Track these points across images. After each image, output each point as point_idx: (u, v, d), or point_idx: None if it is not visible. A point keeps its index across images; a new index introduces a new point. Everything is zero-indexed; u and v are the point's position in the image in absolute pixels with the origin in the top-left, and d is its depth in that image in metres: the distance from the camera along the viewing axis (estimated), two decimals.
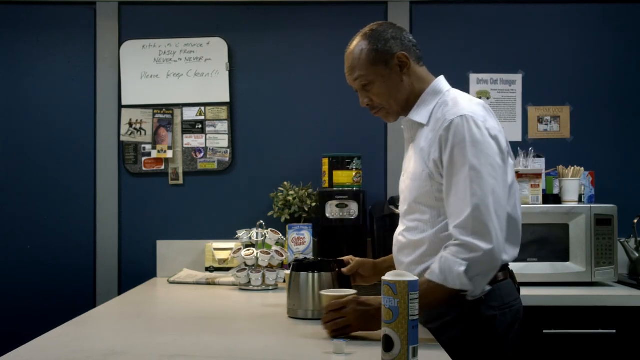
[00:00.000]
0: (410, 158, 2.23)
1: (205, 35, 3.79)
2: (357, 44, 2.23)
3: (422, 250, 2.14)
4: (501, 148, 2.07)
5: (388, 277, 1.70)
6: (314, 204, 3.58)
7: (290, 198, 3.57)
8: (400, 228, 2.27)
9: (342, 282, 2.43)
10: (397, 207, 3.34)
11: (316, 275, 2.38)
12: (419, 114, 2.19)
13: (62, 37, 3.81)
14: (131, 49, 3.78)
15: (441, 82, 2.24)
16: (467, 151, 2.00)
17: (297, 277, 2.41)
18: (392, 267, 2.36)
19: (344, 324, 2.01)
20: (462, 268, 1.95)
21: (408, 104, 2.22)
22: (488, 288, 2.05)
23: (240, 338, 2.16)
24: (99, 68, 3.79)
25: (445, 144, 2.04)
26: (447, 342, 2.02)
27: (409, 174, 2.20)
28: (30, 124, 3.80)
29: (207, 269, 3.62)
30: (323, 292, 2.22)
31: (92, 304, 3.64)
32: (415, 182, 2.15)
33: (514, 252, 2.15)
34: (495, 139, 2.06)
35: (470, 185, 1.98)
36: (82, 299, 3.69)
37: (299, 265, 2.43)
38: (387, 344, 1.69)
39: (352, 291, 2.19)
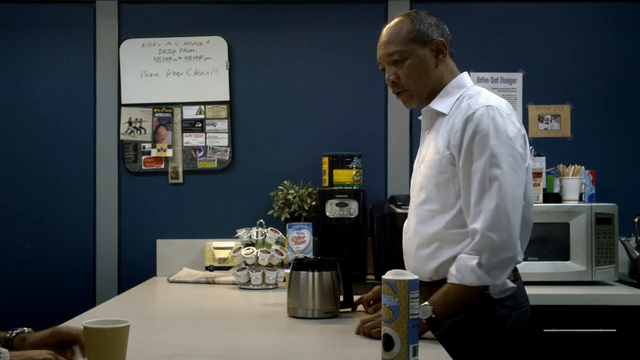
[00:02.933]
0: (427, 147, 2.22)
1: (205, 33, 3.78)
2: (398, 20, 2.24)
3: (437, 243, 2.13)
4: (522, 145, 2.08)
5: (388, 275, 1.70)
6: (314, 203, 3.57)
7: (290, 197, 3.57)
8: (412, 220, 2.25)
9: (346, 281, 2.43)
10: (397, 206, 3.35)
11: (316, 274, 2.38)
12: (441, 104, 2.19)
13: (62, 35, 3.81)
14: (131, 47, 3.77)
15: (466, 77, 2.26)
16: (490, 139, 2.01)
17: (297, 276, 2.40)
18: None
19: (376, 332, 1.97)
20: (475, 261, 1.96)
21: (433, 92, 2.23)
22: (512, 285, 2.05)
23: (240, 337, 2.16)
24: (98, 67, 3.78)
25: (468, 131, 2.04)
26: (457, 342, 2.02)
27: (427, 161, 2.18)
28: (29, 122, 3.79)
29: (207, 268, 3.62)
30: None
31: (92, 303, 3.64)
32: (434, 169, 2.14)
33: (523, 251, 2.15)
34: (518, 133, 2.07)
35: (488, 175, 1.99)
36: (82, 298, 3.68)
37: (299, 265, 2.42)
38: (387, 343, 1.68)
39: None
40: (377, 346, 1.77)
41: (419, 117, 2.35)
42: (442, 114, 2.18)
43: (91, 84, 3.79)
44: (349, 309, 2.45)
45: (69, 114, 3.80)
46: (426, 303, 1.98)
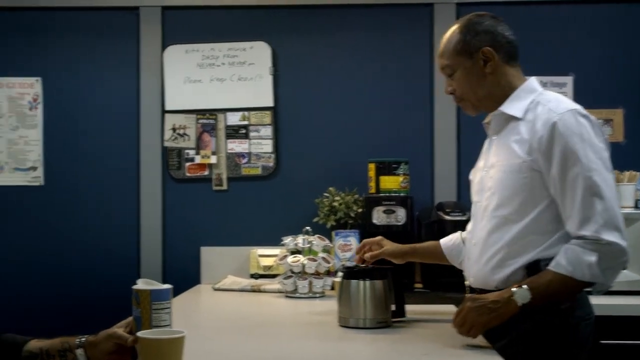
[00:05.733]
0: (498, 151, 2.16)
1: (248, 39, 3.75)
2: (451, 32, 2.23)
3: (508, 251, 2.06)
4: (606, 148, 2.05)
5: (136, 286, 1.68)
6: (360, 210, 3.51)
7: (336, 204, 3.51)
8: (480, 225, 2.18)
9: (397, 290, 2.37)
10: (446, 213, 3.29)
11: (368, 282, 2.32)
12: (512, 108, 2.14)
13: (106, 43, 3.80)
14: (174, 54, 3.76)
15: (535, 81, 2.21)
16: (582, 144, 1.97)
17: (348, 285, 2.35)
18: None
19: (469, 326, 1.95)
20: (593, 258, 1.91)
21: (489, 99, 2.19)
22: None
23: (292, 346, 2.12)
24: (142, 74, 3.77)
25: (558, 136, 1.99)
26: (521, 352, 1.97)
27: (502, 166, 2.12)
28: (74, 130, 3.79)
29: (252, 276, 3.57)
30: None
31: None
32: (511, 174, 2.08)
33: None
34: (603, 135, 2.05)
35: (591, 179, 1.94)
36: (126, 307, 3.65)
37: (351, 273, 2.37)
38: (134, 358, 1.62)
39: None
40: (426, 355, 1.71)
41: (484, 122, 2.29)
42: (514, 118, 2.12)
43: (135, 90, 3.78)
44: (402, 319, 2.39)
45: (113, 121, 3.79)
46: (524, 287, 1.93)
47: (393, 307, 2.38)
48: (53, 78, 3.81)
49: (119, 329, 1.68)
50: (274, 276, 3.46)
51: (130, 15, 3.78)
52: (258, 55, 3.74)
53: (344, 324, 2.34)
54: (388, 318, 2.33)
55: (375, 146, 3.67)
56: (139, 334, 1.50)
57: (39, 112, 3.80)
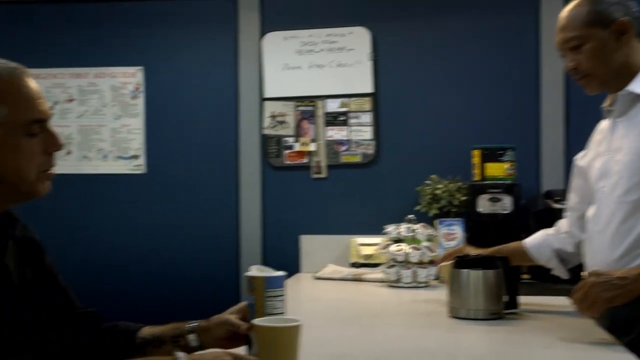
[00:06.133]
0: (625, 134, 2.03)
1: (347, 24, 3.69)
2: (576, 3, 2.09)
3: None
4: None
5: (250, 272, 1.61)
6: (463, 198, 3.41)
7: (438, 192, 3.42)
8: (607, 211, 2.06)
9: (510, 280, 2.28)
10: (555, 201, 3.15)
11: (480, 272, 2.23)
12: None
13: (205, 31, 3.82)
14: (273, 40, 3.73)
15: None
16: None
17: (458, 274, 2.27)
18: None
19: (590, 301, 1.85)
20: None
21: (617, 76, 2.05)
22: None
23: (402, 336, 2.06)
24: (240, 61, 3.76)
25: None
26: None
27: (631, 149, 2.00)
28: (175, 118, 3.83)
29: (353, 265, 3.52)
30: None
31: (237, 300, 3.61)
32: None
33: None
34: None
35: None
36: (226, 294, 3.67)
37: (462, 262, 2.28)
38: (249, 343, 1.56)
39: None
40: (548, 348, 1.61)
41: (603, 106, 2.16)
42: None
43: (233, 78, 3.77)
44: (514, 310, 2.29)
45: (213, 109, 3.80)
46: None
47: (505, 298, 2.28)
48: (154, 67, 3.84)
49: (232, 315, 1.65)
50: (374, 265, 3.40)
51: (228, 3, 3.77)
52: (357, 40, 3.67)
53: (454, 314, 2.26)
54: (500, 309, 2.24)
55: (479, 132, 3.55)
56: (255, 321, 1.47)
57: (140, 101, 3.84)
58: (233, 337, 1.63)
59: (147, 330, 1.73)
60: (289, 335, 1.42)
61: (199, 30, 3.82)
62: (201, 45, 3.82)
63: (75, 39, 3.88)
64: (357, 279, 3.23)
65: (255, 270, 1.61)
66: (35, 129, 1.49)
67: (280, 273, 1.60)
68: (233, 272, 3.72)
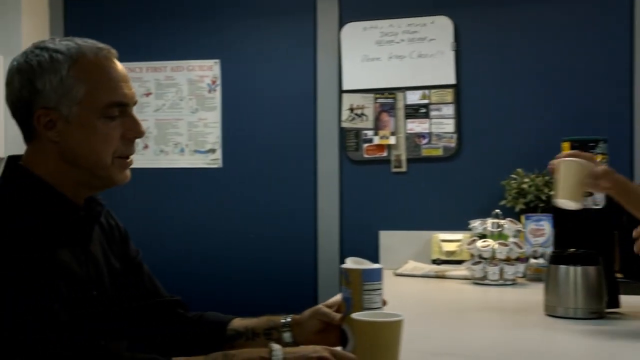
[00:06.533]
0: None
1: (428, 14, 3.58)
2: None
3: None
4: None
5: (345, 264, 1.51)
6: (551, 193, 3.26)
7: (525, 186, 3.29)
8: None
9: (610, 277, 2.15)
10: None
11: (579, 269, 2.11)
12: None
13: (282, 23, 3.76)
14: (352, 31, 3.64)
15: None
16: None
17: (556, 270, 2.15)
18: None
19: None
20: None
21: None
22: None
23: (499, 334, 1.97)
24: (319, 53, 3.70)
25: None
26: None
27: None
28: (252, 111, 3.78)
29: (434, 262, 3.41)
30: None
31: (314, 296, 3.55)
32: None
33: None
34: None
35: None
36: (304, 290, 3.62)
37: (559, 257, 2.17)
38: (343, 339, 1.47)
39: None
40: None
41: None
42: None
43: (311, 70, 3.70)
44: (616, 310, 2.16)
45: (290, 102, 3.74)
46: None
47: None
48: (231, 60, 3.80)
49: (325, 308, 1.58)
50: (457, 262, 3.28)
51: None
52: (439, 30, 3.56)
53: (551, 312, 2.14)
54: (602, 308, 2.11)
55: (568, 124, 3.39)
56: (354, 315, 1.39)
57: (217, 94, 3.81)
58: (326, 330, 1.56)
59: (238, 322, 1.68)
60: (391, 331, 1.34)
61: (276, 21, 3.76)
62: (279, 36, 3.76)
63: (152, 32, 3.87)
64: (440, 276, 3.12)
65: (351, 263, 1.52)
66: (114, 112, 1.45)
67: (378, 266, 1.51)
68: (311, 268, 3.66)
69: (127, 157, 1.50)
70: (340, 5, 3.67)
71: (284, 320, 1.61)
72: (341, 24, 3.66)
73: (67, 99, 1.41)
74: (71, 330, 1.32)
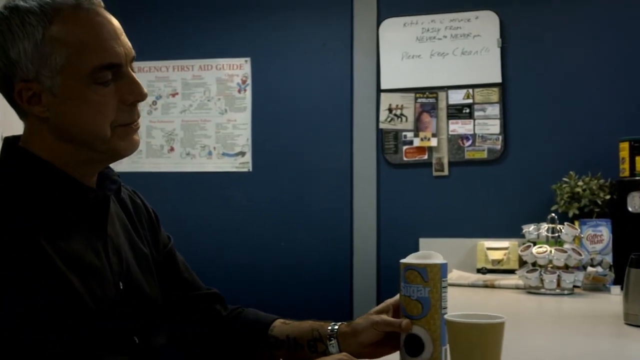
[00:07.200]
0: None
1: (473, 8, 3.42)
2: None
3: None
4: None
5: (413, 259, 1.32)
6: (607, 197, 3.06)
7: (579, 190, 3.08)
8: None
9: None
10: None
11: None
12: None
13: (317, 19, 3.61)
14: (391, 27, 3.48)
15: None
16: None
17: (637, 275, 1.94)
18: None
19: None
20: None
21: None
22: None
23: (578, 343, 1.77)
24: (356, 50, 3.54)
25: None
26: None
27: None
28: (284, 112, 3.62)
29: (479, 271, 3.20)
30: None
31: (349, 305, 3.36)
32: None
33: None
34: None
35: None
36: (339, 299, 3.43)
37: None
38: (414, 346, 1.28)
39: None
40: None
41: None
42: None
43: (348, 68, 3.54)
44: None
45: (325, 102, 3.57)
46: None
47: None
48: (262, 58, 3.64)
49: (378, 316, 1.38)
50: (504, 271, 3.09)
51: None
52: (484, 26, 3.39)
53: (633, 322, 1.93)
54: None
55: (623, 123, 3.20)
56: (448, 317, 1.19)
57: (247, 94, 3.64)
58: (385, 340, 1.36)
59: (280, 328, 1.50)
60: (494, 334, 1.14)
61: (310, 17, 3.60)
62: (313, 33, 3.59)
63: (179, 29, 3.72)
64: (490, 285, 2.91)
65: (414, 258, 1.33)
66: (105, 76, 1.22)
67: (442, 259, 1.33)
68: (347, 276, 3.47)
69: (131, 123, 1.29)
70: (378, 0, 3.49)
71: (330, 330, 1.43)
72: (379, 20, 3.50)
73: (47, 68, 1.19)
74: (69, 337, 1.16)
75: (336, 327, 1.44)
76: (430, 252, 1.35)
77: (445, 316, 1.21)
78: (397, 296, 1.37)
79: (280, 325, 1.52)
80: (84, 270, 1.21)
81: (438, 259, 1.32)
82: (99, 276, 1.25)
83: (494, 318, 1.17)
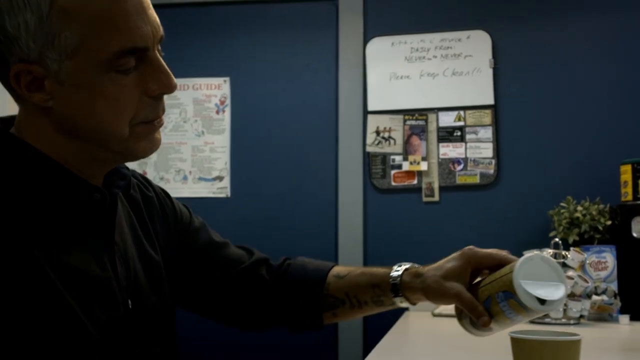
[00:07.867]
0: None
1: (464, 28, 3.29)
2: None
3: None
4: None
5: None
6: (608, 222, 2.93)
7: (578, 215, 2.94)
8: None
9: None
10: None
11: None
12: None
13: (300, 37, 3.45)
14: (378, 47, 3.34)
15: None
16: None
17: None
18: None
19: None
20: None
21: None
22: None
23: None
24: (341, 70, 3.37)
25: None
26: None
27: None
28: (267, 130, 3.43)
29: None
30: None
31: (335, 337, 3.16)
32: None
33: None
34: None
35: None
36: (323, 333, 3.21)
37: None
38: None
39: None
40: None
41: None
42: None
43: (333, 89, 3.38)
44: None
45: (308, 124, 3.40)
46: None
47: None
48: (241, 78, 3.47)
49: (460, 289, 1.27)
50: None
51: (328, 5, 3.40)
52: (476, 46, 3.27)
53: None
54: None
55: (623, 146, 3.09)
56: (512, 334, 1.05)
57: (226, 115, 3.45)
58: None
59: (336, 285, 1.41)
60: (571, 353, 0.98)
61: (294, 35, 3.45)
62: (296, 52, 3.44)
63: None
64: None
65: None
66: (128, 63, 1.01)
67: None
68: None
69: (155, 120, 1.09)
70: (365, 18, 3.37)
71: (393, 281, 1.35)
72: (366, 39, 3.35)
73: (54, 49, 0.97)
74: None
75: (398, 280, 1.36)
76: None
77: (512, 334, 1.06)
78: (481, 252, 1.31)
79: (336, 282, 1.42)
80: (87, 289, 1.01)
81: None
82: (105, 295, 1.04)
83: (566, 335, 1.01)
